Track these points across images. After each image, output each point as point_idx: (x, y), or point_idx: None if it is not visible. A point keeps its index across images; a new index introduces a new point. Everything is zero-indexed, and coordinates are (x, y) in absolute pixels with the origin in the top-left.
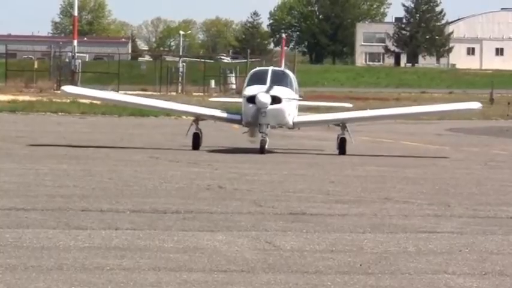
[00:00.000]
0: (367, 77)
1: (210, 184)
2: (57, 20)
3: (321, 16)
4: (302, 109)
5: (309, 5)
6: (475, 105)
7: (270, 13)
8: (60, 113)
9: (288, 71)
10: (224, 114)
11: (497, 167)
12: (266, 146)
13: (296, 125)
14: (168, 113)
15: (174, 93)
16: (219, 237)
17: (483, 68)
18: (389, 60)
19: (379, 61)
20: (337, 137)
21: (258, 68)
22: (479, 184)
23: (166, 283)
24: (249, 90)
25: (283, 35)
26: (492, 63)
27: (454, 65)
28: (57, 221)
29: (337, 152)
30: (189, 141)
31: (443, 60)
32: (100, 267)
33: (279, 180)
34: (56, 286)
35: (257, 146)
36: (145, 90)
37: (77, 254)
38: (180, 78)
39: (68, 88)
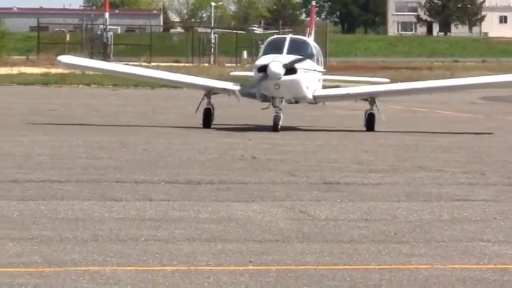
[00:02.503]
0: (400, 46)
1: (244, 155)
2: None
3: None
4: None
5: None
6: None
7: None
8: (92, 85)
9: (309, 40)
10: (237, 87)
11: None
12: (280, 123)
13: (318, 99)
14: None
15: (206, 65)
16: (253, 207)
17: None
18: (422, 30)
19: (411, 30)
20: (365, 113)
21: (275, 36)
22: None
23: (201, 253)
24: (262, 60)
25: (312, 2)
26: None
27: (486, 33)
28: (92, 193)
29: (364, 129)
30: (200, 118)
31: (475, 29)
32: (135, 238)
33: (313, 150)
34: (91, 257)
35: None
36: (178, 61)
37: (111, 225)
38: (212, 50)
39: (64, 58)
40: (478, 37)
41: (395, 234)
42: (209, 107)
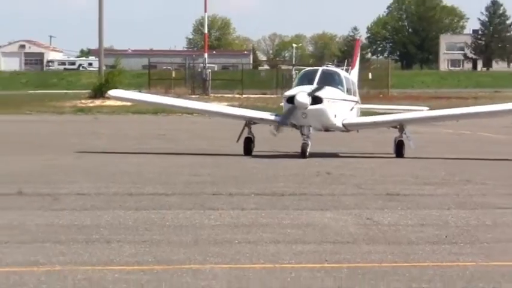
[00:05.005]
0: (450, 79)
1: (319, 171)
2: (191, 36)
3: (410, 30)
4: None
5: (400, 20)
6: None
7: (368, 28)
8: (194, 114)
9: (341, 72)
10: (273, 117)
11: None
12: (308, 150)
13: (348, 127)
14: None
15: None
16: (327, 214)
17: None
18: (468, 65)
19: (459, 66)
20: (394, 140)
21: (308, 68)
22: None
23: (284, 253)
24: (290, 91)
25: (358, 36)
26: None
27: None
28: (193, 204)
29: (393, 155)
30: (241, 147)
31: None
32: (229, 241)
33: (377, 166)
34: (194, 257)
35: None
36: (264, 93)
37: (210, 231)
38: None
39: (114, 92)
40: None
41: (446, 237)
42: (250, 136)
